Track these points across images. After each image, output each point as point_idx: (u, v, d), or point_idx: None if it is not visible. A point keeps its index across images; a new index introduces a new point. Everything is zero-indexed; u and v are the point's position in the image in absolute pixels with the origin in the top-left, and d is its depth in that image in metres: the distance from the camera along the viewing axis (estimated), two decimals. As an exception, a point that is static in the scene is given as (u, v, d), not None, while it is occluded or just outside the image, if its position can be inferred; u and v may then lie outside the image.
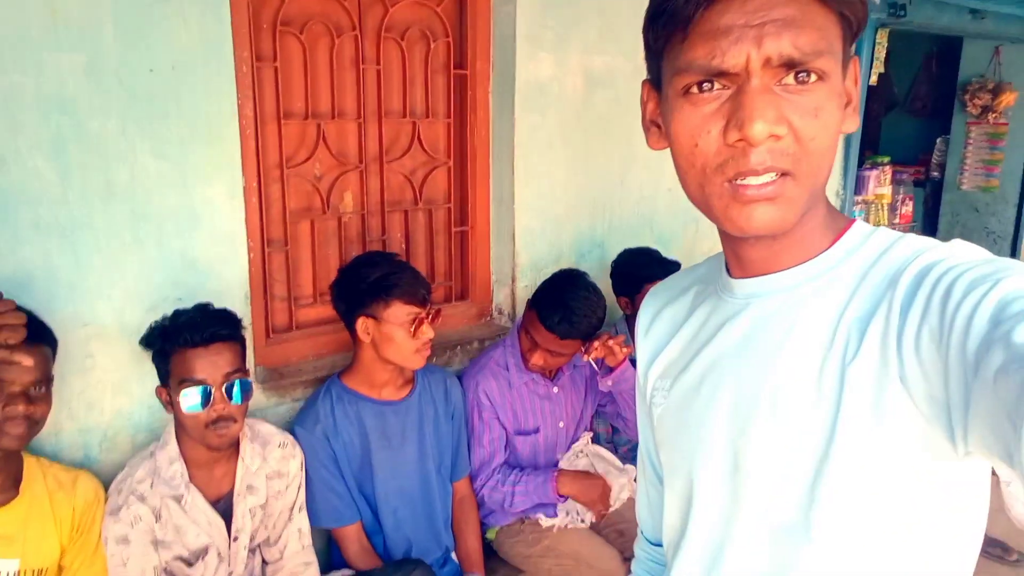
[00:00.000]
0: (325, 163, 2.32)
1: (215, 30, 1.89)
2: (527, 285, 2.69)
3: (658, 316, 0.94)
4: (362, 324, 2.00)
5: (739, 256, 0.80)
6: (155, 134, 1.83)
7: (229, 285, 2.02)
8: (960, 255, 0.68)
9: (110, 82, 1.75)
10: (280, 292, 2.29)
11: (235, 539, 1.82)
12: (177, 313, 1.76)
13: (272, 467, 1.89)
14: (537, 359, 2.26)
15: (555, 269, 2.74)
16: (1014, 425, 0.51)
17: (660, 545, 1.04)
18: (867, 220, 4.30)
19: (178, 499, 1.72)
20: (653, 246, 2.99)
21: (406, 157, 2.48)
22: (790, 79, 0.66)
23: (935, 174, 5.46)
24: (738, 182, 0.68)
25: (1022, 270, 0.61)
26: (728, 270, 0.83)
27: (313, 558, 1.96)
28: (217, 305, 1.83)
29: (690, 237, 3.21)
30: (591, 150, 2.76)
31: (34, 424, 1.53)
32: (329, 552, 2.15)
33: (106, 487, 1.74)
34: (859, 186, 4.31)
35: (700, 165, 0.69)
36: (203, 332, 1.69)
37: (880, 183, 4.49)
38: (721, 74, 0.66)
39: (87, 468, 1.82)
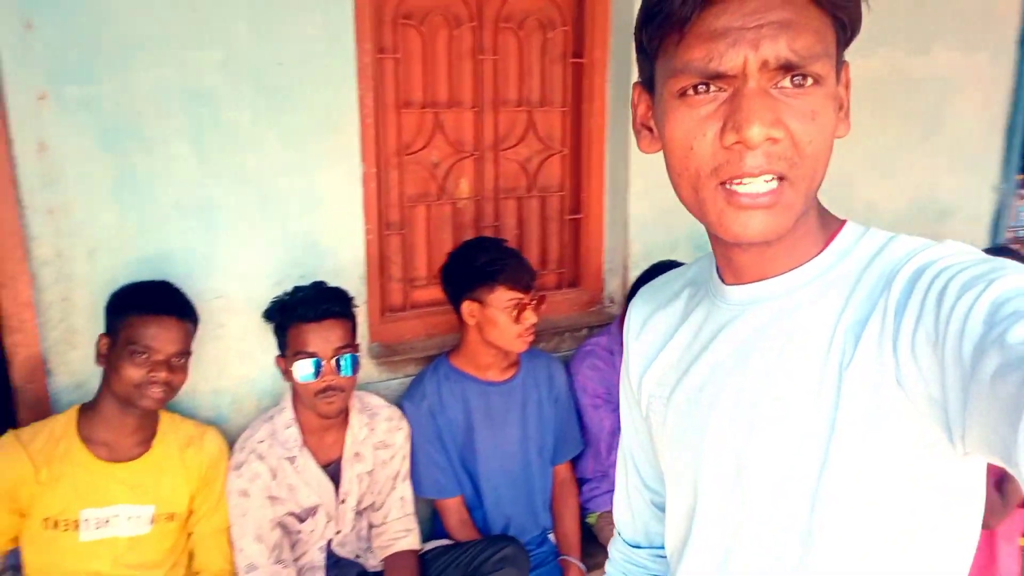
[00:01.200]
0: (442, 150, 2.42)
1: (339, 25, 2.02)
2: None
3: (649, 320, 0.93)
4: (467, 307, 2.08)
5: (731, 262, 0.78)
6: (282, 123, 1.99)
7: (347, 265, 2.16)
8: (953, 255, 0.66)
9: (243, 76, 1.92)
10: (396, 273, 2.41)
11: (343, 501, 1.96)
12: (296, 290, 1.91)
13: (379, 438, 2.01)
14: None
15: (672, 256, 2.72)
16: (1012, 426, 0.51)
17: (638, 547, 1.05)
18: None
19: (291, 460, 1.87)
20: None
21: (521, 145, 2.54)
22: (787, 82, 0.66)
23: None
24: (732, 187, 0.67)
25: (1015, 269, 0.60)
26: (720, 275, 0.82)
27: (414, 525, 2.06)
28: (335, 283, 1.97)
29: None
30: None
31: (171, 390, 1.72)
32: (433, 522, 2.25)
33: (231, 444, 1.92)
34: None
35: (694, 169, 0.69)
36: (316, 309, 1.83)
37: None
38: (718, 76, 0.66)
39: (217, 425, 2.02)
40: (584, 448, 2.36)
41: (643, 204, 2.63)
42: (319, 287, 1.91)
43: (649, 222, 2.65)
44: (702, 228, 2.41)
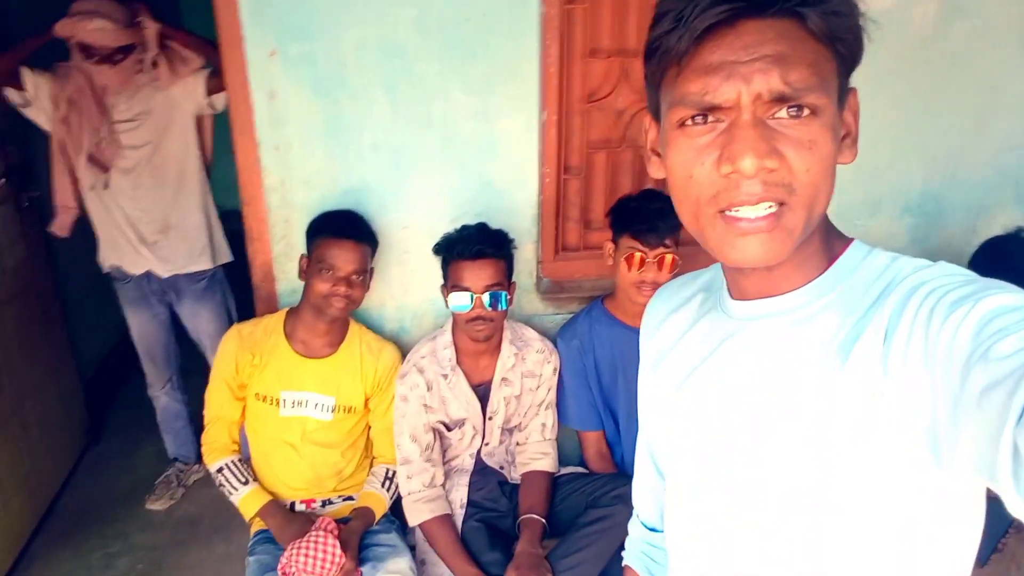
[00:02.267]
0: (627, 98, 2.45)
1: (527, -23, 2.13)
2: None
3: (667, 319, 0.96)
4: (608, 247, 2.19)
5: (737, 283, 0.82)
6: (465, 73, 2.18)
7: (520, 205, 2.34)
8: (945, 276, 0.67)
9: (432, 31, 2.13)
10: (574, 215, 2.55)
11: (490, 418, 2.22)
12: (463, 228, 2.14)
13: (528, 367, 2.22)
14: None
15: (870, 221, 2.54)
16: (996, 443, 0.52)
17: (655, 530, 1.11)
18: None
19: (445, 377, 2.15)
20: (1013, 207, 2.55)
21: (712, 93, 2.48)
22: (783, 113, 0.67)
23: None
24: (730, 213, 0.70)
25: (1003, 289, 0.60)
26: (728, 288, 0.85)
27: (551, 451, 2.28)
28: (507, 222, 2.18)
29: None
30: (936, 88, 2.40)
31: (351, 303, 2.07)
32: (575, 451, 2.44)
33: (406, 355, 2.25)
34: None
35: (695, 196, 0.72)
36: (472, 248, 2.05)
37: None
38: (714, 108, 0.69)
39: (401, 337, 2.37)
40: None
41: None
42: (481, 228, 2.12)
43: (849, 182, 2.46)
44: (916, 191, 2.27)
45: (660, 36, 0.70)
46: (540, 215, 2.40)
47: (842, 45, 0.68)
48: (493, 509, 2.25)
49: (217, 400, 2.17)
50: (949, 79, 2.39)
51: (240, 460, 2.17)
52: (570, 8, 2.29)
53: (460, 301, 2.05)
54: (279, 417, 2.14)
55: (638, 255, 2.09)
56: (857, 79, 2.28)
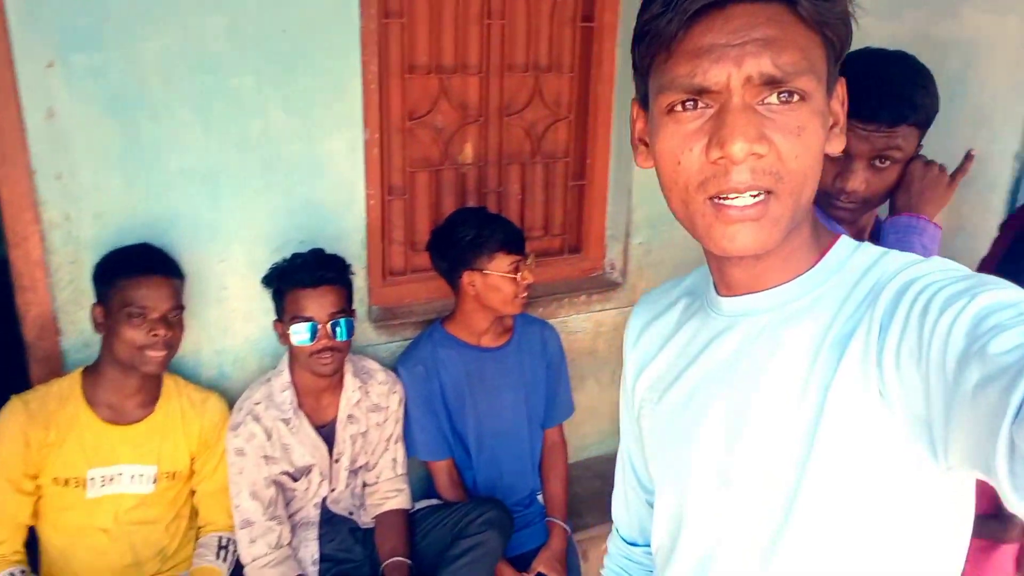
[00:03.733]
0: (447, 116, 2.42)
1: (344, -11, 2.01)
2: (642, 242, 2.70)
3: (647, 328, 0.95)
4: (467, 278, 2.13)
5: (724, 275, 0.81)
6: (286, 90, 2.00)
7: (348, 230, 2.20)
8: (938, 272, 0.67)
9: (248, 42, 1.92)
10: (398, 237, 2.45)
11: (336, 461, 2.05)
12: (294, 256, 1.96)
13: (373, 401, 2.09)
14: None
15: (671, 228, 2.73)
16: (992, 437, 0.52)
17: (635, 544, 1.09)
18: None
19: (287, 422, 1.96)
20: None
21: (527, 110, 2.53)
22: (773, 98, 0.67)
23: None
24: (719, 201, 0.69)
25: (998, 285, 0.61)
26: (715, 286, 0.84)
27: (404, 486, 2.17)
28: (335, 247, 2.02)
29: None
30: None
31: (171, 348, 1.79)
32: (425, 482, 2.35)
33: (232, 403, 2.00)
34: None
35: (683, 183, 0.70)
36: (313, 275, 1.88)
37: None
38: (703, 92, 0.67)
39: (221, 384, 2.11)
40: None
41: (647, 172, 2.61)
42: (317, 254, 1.95)
43: (653, 190, 2.61)
44: None
45: (649, 20, 0.69)
46: (367, 239, 2.27)
47: (831, 31, 0.68)
48: (348, 560, 2.08)
49: None
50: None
51: (21, 572, 1.75)
52: (387, 23, 2.21)
53: (303, 333, 1.87)
54: (85, 501, 1.78)
55: (518, 265, 2.10)
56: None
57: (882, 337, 0.66)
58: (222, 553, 1.95)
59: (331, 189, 2.15)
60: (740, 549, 0.80)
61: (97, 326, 1.79)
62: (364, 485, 2.16)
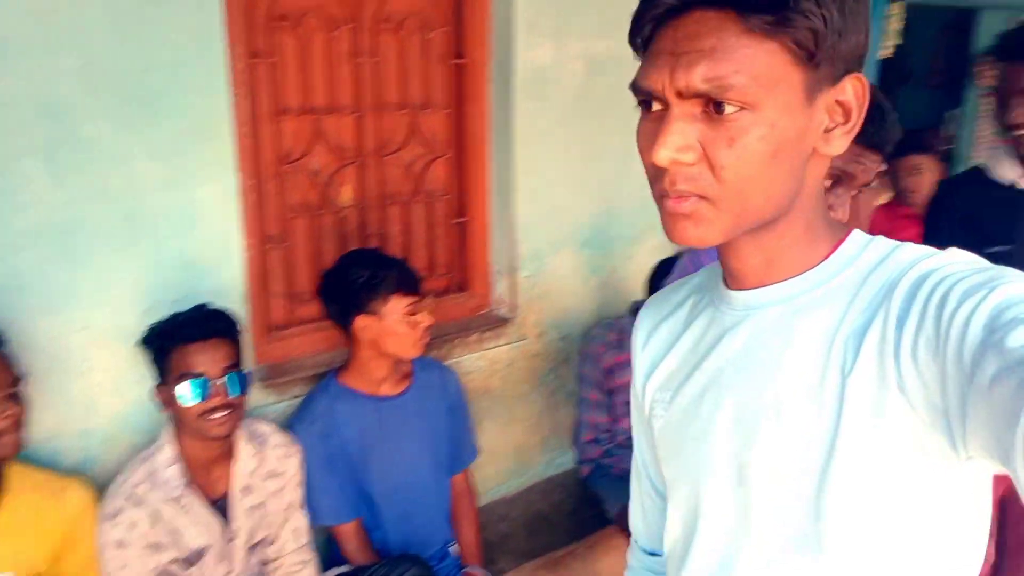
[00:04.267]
0: (323, 158, 2.31)
1: (208, 27, 1.87)
2: (529, 275, 2.69)
3: (656, 329, 0.93)
4: (361, 322, 2.01)
5: (732, 270, 0.80)
6: (149, 135, 1.82)
7: (225, 284, 2.02)
8: (955, 264, 0.68)
9: (103, 84, 1.73)
10: (279, 288, 2.29)
11: (231, 540, 1.85)
12: (175, 315, 1.77)
13: (270, 466, 1.91)
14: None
15: (557, 258, 2.75)
16: (1010, 429, 0.52)
17: (656, 554, 1.05)
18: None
19: (176, 500, 1.74)
20: (660, 235, 2.98)
21: (404, 149, 2.46)
22: (711, 108, 0.67)
23: (947, 147, 5.38)
24: (663, 197, 0.71)
25: (1016, 277, 0.61)
26: (725, 281, 0.83)
27: (310, 556, 1.99)
28: (214, 304, 1.84)
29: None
30: (593, 137, 2.72)
31: (17, 427, 1.53)
32: (329, 548, 2.17)
33: (102, 490, 1.75)
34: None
35: (649, 176, 0.73)
36: (202, 327, 1.71)
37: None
38: (651, 96, 0.69)
39: (88, 470, 1.85)
40: None
41: (530, 205, 2.63)
42: (202, 308, 1.78)
43: (536, 223, 2.66)
44: (587, 226, 2.48)
45: (635, 20, 0.71)
46: (248, 293, 2.10)
47: (795, 33, 0.64)
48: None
49: None
50: (602, 128, 2.73)
51: None
52: (255, 63, 2.08)
53: (193, 392, 1.68)
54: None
55: (415, 307, 2.03)
56: (534, 131, 2.44)
57: (899, 329, 0.66)
58: None
59: (204, 241, 1.97)
60: (765, 546, 0.77)
61: None
62: (263, 563, 1.96)
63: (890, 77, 5.21)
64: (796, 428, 0.73)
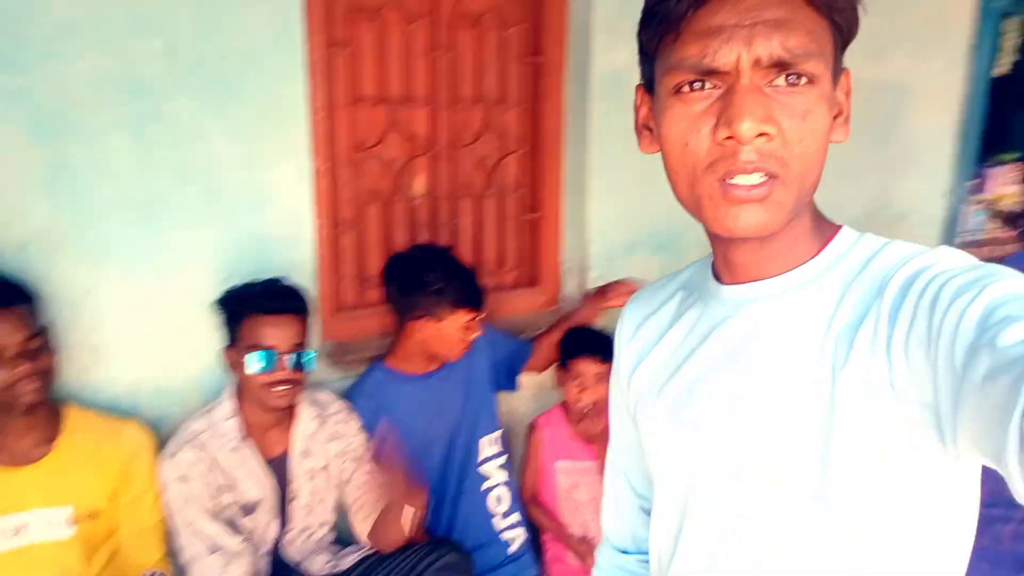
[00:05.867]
0: (397, 147, 2.37)
1: (288, 17, 1.97)
2: (599, 275, 2.66)
3: (644, 322, 0.93)
4: (421, 323, 2.07)
5: (728, 260, 0.79)
6: (227, 117, 1.93)
7: (296, 263, 2.10)
8: (947, 261, 0.68)
9: (185, 66, 1.85)
10: (350, 271, 2.36)
11: (292, 499, 1.91)
12: (251, 283, 1.86)
13: (331, 430, 1.97)
14: None
15: (629, 260, 2.71)
16: (1002, 427, 0.52)
17: (626, 552, 1.04)
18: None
19: (234, 451, 1.82)
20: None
21: (478, 143, 2.50)
22: (780, 80, 0.67)
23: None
24: (728, 181, 0.68)
25: (1007, 275, 0.61)
26: (716, 276, 0.83)
27: None
28: (289, 280, 1.92)
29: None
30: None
31: (46, 375, 1.62)
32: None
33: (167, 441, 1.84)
34: (978, 185, 3.99)
35: (691, 165, 0.70)
36: (275, 302, 1.79)
37: (1005, 182, 4.14)
38: (712, 73, 0.67)
39: (163, 426, 1.95)
40: None
41: (603, 205, 2.62)
42: (277, 281, 1.87)
43: (610, 223, 2.64)
44: (662, 230, 2.42)
45: (658, 2, 0.69)
46: (318, 273, 2.18)
47: (839, 16, 0.69)
48: (297, 615, 1.92)
49: None
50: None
51: None
52: (333, 52, 2.17)
53: (260, 363, 1.76)
54: (-4, 556, 1.60)
55: (474, 324, 2.10)
56: (610, 132, 2.40)
57: (891, 326, 0.66)
58: None
59: (278, 220, 2.06)
60: (760, 541, 0.76)
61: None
62: (321, 525, 2.00)
63: (1007, 96, 4.88)
64: (787, 424, 0.72)
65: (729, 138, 0.66)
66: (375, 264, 2.41)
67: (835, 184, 3.15)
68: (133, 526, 1.77)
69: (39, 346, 1.61)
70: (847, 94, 0.75)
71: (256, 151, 1.99)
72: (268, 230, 2.05)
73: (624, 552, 1.04)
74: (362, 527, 1.98)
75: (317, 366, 2.12)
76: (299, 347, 1.80)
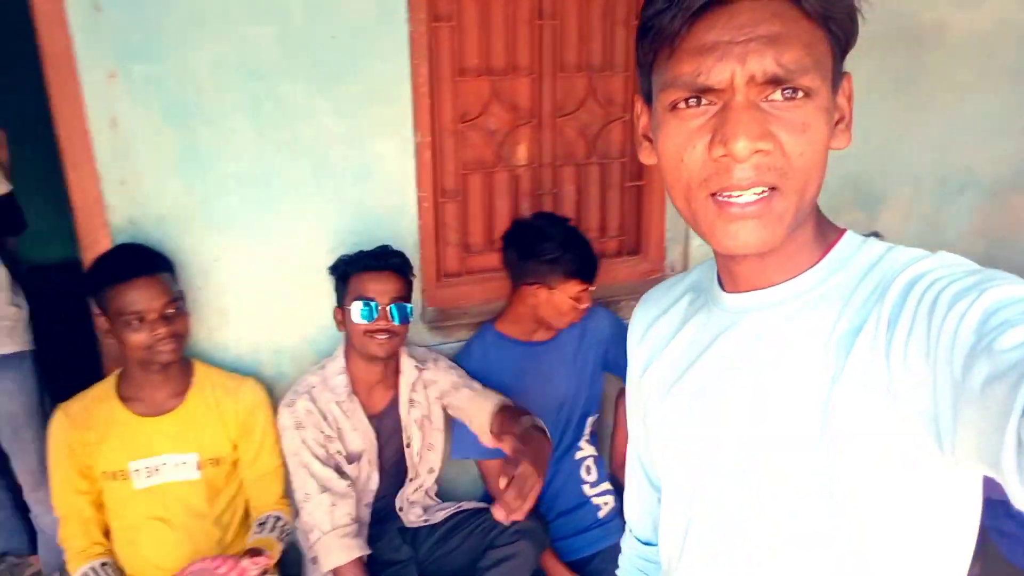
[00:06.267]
0: (500, 118, 2.42)
1: (392, -3, 2.05)
2: (702, 243, 2.61)
3: (654, 323, 0.94)
4: (534, 289, 2.14)
5: (730, 271, 0.80)
6: (335, 95, 2.05)
7: (400, 232, 2.22)
8: (946, 267, 0.67)
9: (297, 50, 1.98)
10: (452, 239, 2.46)
11: (408, 446, 2.10)
12: (362, 251, 2.01)
13: (427, 378, 2.12)
14: None
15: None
16: (999, 433, 0.52)
17: (650, 544, 1.07)
18: None
19: (340, 405, 1.99)
20: (856, 208, 2.77)
21: (581, 111, 2.50)
22: (777, 95, 0.66)
23: None
24: (721, 197, 0.68)
25: (1006, 279, 0.60)
26: (720, 282, 0.83)
27: (496, 395, 2.11)
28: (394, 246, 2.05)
29: (905, 199, 2.88)
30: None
31: (181, 338, 1.83)
32: (479, 484, 2.34)
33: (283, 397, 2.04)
34: None
35: (686, 180, 0.70)
36: (379, 260, 1.95)
37: None
38: (707, 90, 0.67)
39: (279, 383, 2.16)
40: None
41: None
42: (383, 246, 2.02)
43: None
44: None
45: (653, 16, 0.68)
46: (420, 241, 2.29)
47: (836, 26, 0.68)
48: (394, 560, 2.09)
49: (61, 496, 1.86)
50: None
51: (103, 564, 1.84)
52: (436, 27, 2.23)
53: (363, 312, 1.91)
54: (135, 492, 1.86)
55: (584, 296, 2.15)
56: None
57: (890, 333, 0.65)
58: (278, 531, 1.96)
59: (382, 192, 2.19)
60: (762, 544, 0.78)
61: (105, 334, 1.83)
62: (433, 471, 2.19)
63: None
64: (786, 431, 0.73)
65: (725, 155, 0.66)
66: (478, 232, 2.50)
67: (981, 145, 2.93)
68: (254, 472, 1.99)
69: (176, 310, 1.82)
70: (849, 99, 0.73)
71: (362, 127, 2.10)
72: (373, 201, 2.18)
73: (647, 543, 1.07)
74: (483, 430, 2.04)
75: (419, 331, 2.26)
76: (397, 300, 1.95)
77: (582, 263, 2.13)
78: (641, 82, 0.78)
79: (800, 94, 0.66)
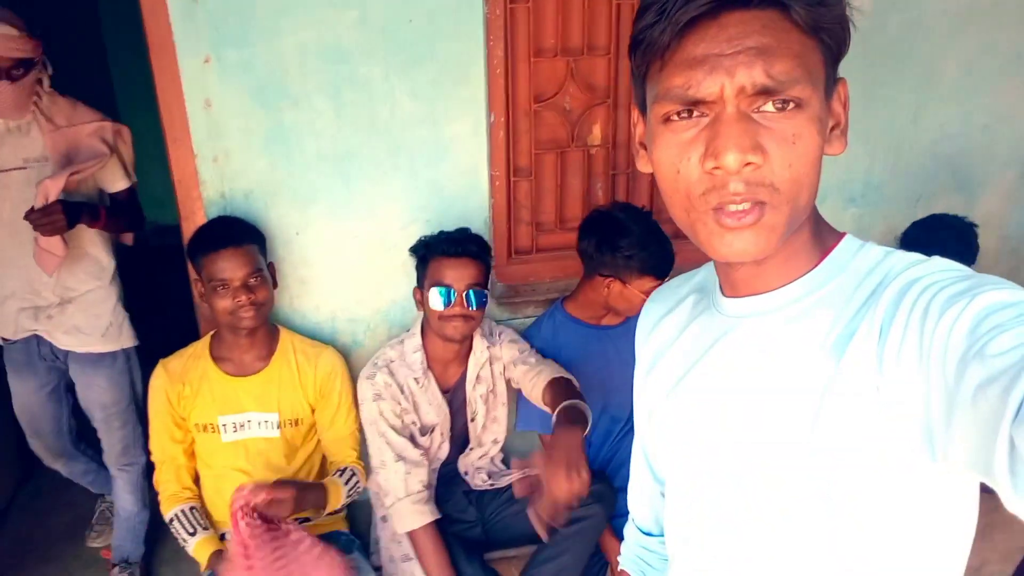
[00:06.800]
0: (575, 98, 2.44)
1: (469, -22, 2.09)
2: (782, 227, 2.56)
3: (661, 322, 0.95)
4: (607, 282, 2.15)
5: (728, 277, 0.82)
6: (411, 77, 2.13)
7: (472, 210, 2.30)
8: (939, 272, 0.67)
9: (376, 34, 2.06)
10: (525, 217, 2.51)
11: (472, 420, 2.19)
12: (443, 232, 2.10)
13: (493, 354, 2.20)
14: None
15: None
16: (991, 438, 0.52)
17: (650, 535, 1.10)
18: None
19: (417, 380, 2.10)
20: (951, 192, 2.63)
21: (659, 90, 2.48)
22: (768, 107, 0.67)
23: None
24: (720, 209, 0.69)
25: (998, 284, 0.60)
26: (720, 286, 0.84)
27: (550, 364, 2.17)
28: (474, 229, 2.13)
29: (1007, 184, 2.71)
30: (876, 81, 2.45)
31: (260, 306, 1.96)
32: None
33: (361, 366, 2.16)
34: None
35: (684, 191, 0.70)
36: (459, 246, 2.02)
37: None
38: (698, 103, 0.68)
39: (354, 350, 2.29)
40: None
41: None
42: (463, 230, 2.08)
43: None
44: (859, 181, 2.30)
45: (644, 29, 0.69)
46: (491, 219, 2.36)
47: (827, 35, 0.68)
48: (461, 520, 2.20)
49: (158, 443, 2.06)
50: (887, 71, 2.44)
51: (191, 508, 2.04)
52: (513, 8, 2.26)
53: (440, 298, 2.00)
54: (223, 444, 2.04)
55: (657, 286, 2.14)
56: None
57: (883, 339, 0.66)
58: (349, 482, 2.08)
59: (455, 172, 2.26)
60: (746, 551, 0.80)
61: (201, 298, 2.01)
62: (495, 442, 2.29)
63: None
64: (780, 436, 0.74)
65: (717, 168, 0.67)
66: (550, 211, 2.54)
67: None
68: (331, 434, 2.14)
69: (259, 281, 1.97)
70: (844, 104, 0.72)
71: (436, 108, 2.17)
72: (446, 180, 2.25)
73: (648, 534, 1.11)
74: (538, 394, 2.10)
75: (489, 307, 2.33)
76: (474, 287, 2.02)
77: (658, 260, 2.11)
78: (635, 92, 0.79)
79: (791, 105, 0.66)
